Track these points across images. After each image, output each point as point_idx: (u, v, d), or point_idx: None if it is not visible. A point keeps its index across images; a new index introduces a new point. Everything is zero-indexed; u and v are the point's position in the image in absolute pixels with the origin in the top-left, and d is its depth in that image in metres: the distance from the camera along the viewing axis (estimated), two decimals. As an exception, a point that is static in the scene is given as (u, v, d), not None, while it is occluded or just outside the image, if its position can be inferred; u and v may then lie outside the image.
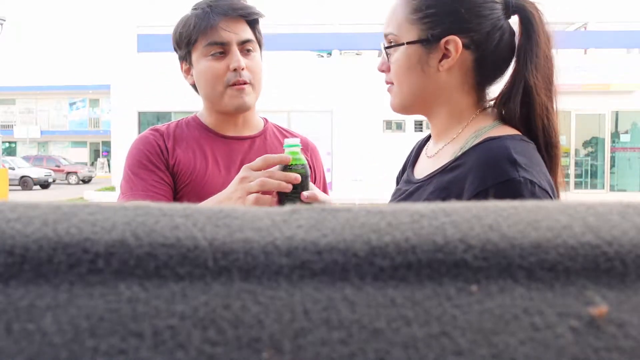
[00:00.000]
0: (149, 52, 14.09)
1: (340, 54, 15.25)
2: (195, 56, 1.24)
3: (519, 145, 0.82)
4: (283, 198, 0.98)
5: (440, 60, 0.89)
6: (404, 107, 0.96)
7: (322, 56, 16.04)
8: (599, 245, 0.20)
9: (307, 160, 1.33)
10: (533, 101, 0.88)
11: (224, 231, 0.20)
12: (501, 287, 0.19)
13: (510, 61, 0.91)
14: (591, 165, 14.16)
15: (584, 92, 12.64)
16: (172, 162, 1.23)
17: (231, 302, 0.18)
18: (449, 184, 0.85)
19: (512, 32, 0.91)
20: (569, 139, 13.53)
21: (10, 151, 33.57)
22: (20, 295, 0.18)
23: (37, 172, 22.04)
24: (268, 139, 1.33)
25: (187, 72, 1.29)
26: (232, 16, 1.21)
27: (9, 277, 0.19)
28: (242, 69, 1.21)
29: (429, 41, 0.88)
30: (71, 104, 33.78)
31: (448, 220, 0.21)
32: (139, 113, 14.49)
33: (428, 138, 1.08)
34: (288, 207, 0.23)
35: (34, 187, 21.73)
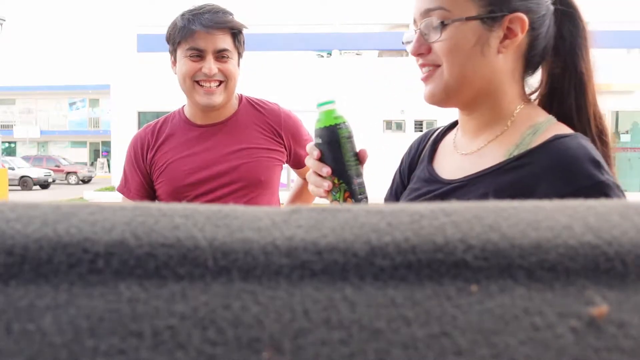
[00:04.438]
0: (149, 52, 14.08)
1: (340, 54, 15.24)
2: (178, 54, 1.47)
3: (589, 145, 0.76)
4: (342, 169, 0.92)
5: (502, 41, 0.80)
6: (447, 96, 0.84)
7: (322, 56, 16.04)
8: (599, 245, 0.20)
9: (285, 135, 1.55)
10: (584, 88, 0.83)
11: (224, 231, 0.20)
12: (501, 287, 0.19)
13: (549, 51, 0.85)
14: (592, 165, 14.14)
15: (584, 92, 12.63)
16: (151, 154, 1.52)
17: (231, 302, 0.18)
18: (510, 185, 0.77)
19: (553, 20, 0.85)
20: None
21: (10, 151, 33.58)
22: (20, 295, 0.18)
23: (36, 172, 22.07)
24: (240, 118, 1.53)
25: (173, 64, 1.53)
26: (211, 28, 1.41)
27: (9, 277, 0.19)
28: (213, 75, 1.43)
29: (492, 18, 0.79)
30: (71, 104, 33.78)
31: (448, 220, 0.21)
32: (139, 113, 14.49)
33: (441, 132, 0.99)
34: (288, 207, 0.23)
35: (34, 187, 21.76)
